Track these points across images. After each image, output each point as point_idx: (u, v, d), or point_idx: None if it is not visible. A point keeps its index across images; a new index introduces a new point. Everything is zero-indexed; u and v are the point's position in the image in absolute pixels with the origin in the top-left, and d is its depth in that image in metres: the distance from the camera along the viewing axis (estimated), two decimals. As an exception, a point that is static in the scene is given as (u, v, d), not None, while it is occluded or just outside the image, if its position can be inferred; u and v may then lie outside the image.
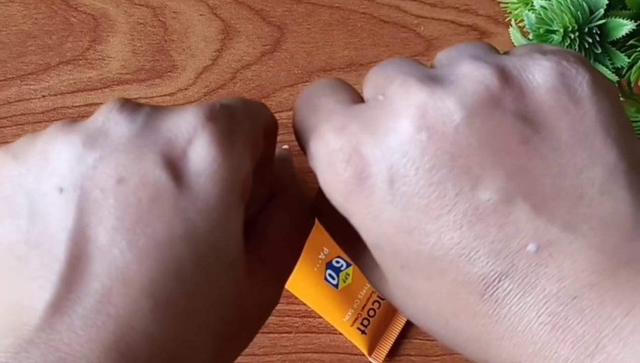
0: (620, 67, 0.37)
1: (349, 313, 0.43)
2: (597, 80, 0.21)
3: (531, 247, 0.19)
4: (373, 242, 0.22)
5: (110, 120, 0.21)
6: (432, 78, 0.21)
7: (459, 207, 0.19)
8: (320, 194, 0.24)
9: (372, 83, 0.23)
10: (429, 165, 0.20)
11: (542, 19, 0.36)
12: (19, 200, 0.21)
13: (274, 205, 0.26)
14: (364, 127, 0.21)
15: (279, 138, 0.27)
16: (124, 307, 0.19)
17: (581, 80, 0.20)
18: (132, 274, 0.19)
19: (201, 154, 0.21)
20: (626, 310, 0.18)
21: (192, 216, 0.20)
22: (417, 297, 0.21)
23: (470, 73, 0.20)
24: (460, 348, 0.21)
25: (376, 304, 0.43)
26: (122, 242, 0.19)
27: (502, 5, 0.45)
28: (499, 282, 0.19)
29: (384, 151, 0.20)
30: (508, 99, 0.20)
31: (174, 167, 0.21)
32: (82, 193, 0.20)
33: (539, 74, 0.20)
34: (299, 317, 0.45)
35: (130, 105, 0.22)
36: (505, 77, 0.20)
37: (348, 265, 0.44)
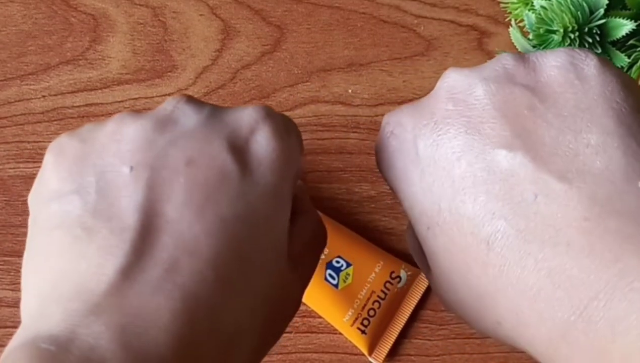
0: (620, 67, 0.37)
1: (349, 313, 0.43)
2: (605, 64, 0.23)
3: (530, 197, 0.20)
4: (408, 205, 0.24)
5: (178, 109, 0.23)
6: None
7: (469, 163, 0.22)
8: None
9: None
10: (448, 127, 0.23)
11: (542, 19, 0.36)
12: (87, 177, 0.21)
13: (297, 219, 0.27)
14: (410, 107, 0.25)
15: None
16: (190, 276, 0.20)
17: (589, 63, 0.23)
18: (199, 246, 0.20)
19: (262, 143, 0.23)
20: (616, 257, 0.18)
21: (252, 200, 0.22)
22: (440, 259, 0.23)
23: (495, 60, 0.24)
24: (478, 316, 0.22)
25: (376, 304, 0.43)
26: (190, 217, 0.20)
27: (502, 5, 0.45)
28: (502, 230, 0.20)
29: (417, 120, 0.24)
30: (521, 74, 0.23)
31: (239, 153, 0.22)
32: (152, 172, 0.21)
33: (552, 56, 0.23)
34: (299, 317, 0.45)
35: (195, 99, 0.24)
36: (523, 59, 0.23)
37: (348, 265, 0.44)
